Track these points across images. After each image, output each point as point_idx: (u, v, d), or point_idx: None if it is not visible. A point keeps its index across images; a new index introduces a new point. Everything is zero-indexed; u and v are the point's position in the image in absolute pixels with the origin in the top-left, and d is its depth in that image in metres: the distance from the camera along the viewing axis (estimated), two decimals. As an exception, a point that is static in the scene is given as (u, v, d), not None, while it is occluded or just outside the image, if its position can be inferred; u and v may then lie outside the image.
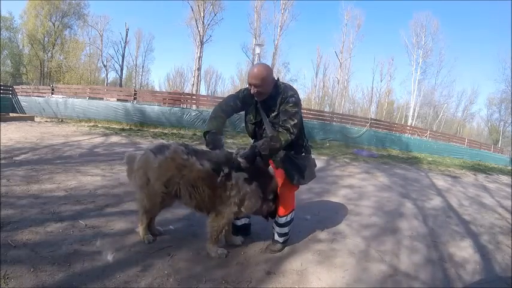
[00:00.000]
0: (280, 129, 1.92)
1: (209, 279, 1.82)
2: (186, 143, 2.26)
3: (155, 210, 2.10)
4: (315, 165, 2.24)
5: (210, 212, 2.04)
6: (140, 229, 2.17)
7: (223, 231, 2.09)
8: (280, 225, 2.24)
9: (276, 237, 2.28)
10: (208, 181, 1.93)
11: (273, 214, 2.22)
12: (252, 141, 2.27)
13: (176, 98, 13.44)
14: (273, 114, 2.02)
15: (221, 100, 2.19)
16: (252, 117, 2.15)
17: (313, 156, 2.28)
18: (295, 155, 2.11)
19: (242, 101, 2.13)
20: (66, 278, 1.67)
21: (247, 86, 2.05)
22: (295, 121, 1.93)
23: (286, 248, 2.33)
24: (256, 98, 2.04)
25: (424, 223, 3.42)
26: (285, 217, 2.22)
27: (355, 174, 5.97)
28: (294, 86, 2.16)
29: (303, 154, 2.15)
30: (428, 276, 2.21)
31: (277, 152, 1.98)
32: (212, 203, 1.98)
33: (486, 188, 6.65)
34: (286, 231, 2.28)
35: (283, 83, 2.06)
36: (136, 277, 1.75)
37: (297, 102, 1.98)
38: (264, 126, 2.09)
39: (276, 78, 2.06)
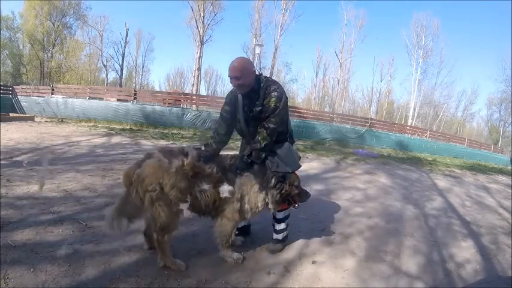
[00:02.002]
0: (259, 129, 2.00)
1: (209, 279, 1.82)
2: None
3: (174, 224, 1.82)
4: (299, 157, 2.21)
5: (214, 216, 2.01)
6: (164, 259, 1.84)
7: (232, 234, 2.02)
8: (278, 221, 2.25)
9: (274, 235, 2.29)
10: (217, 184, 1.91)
11: (298, 198, 2.06)
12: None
13: (176, 98, 13.45)
14: (257, 109, 2.00)
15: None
16: (239, 116, 2.15)
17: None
18: (275, 143, 2.08)
19: (230, 104, 2.13)
20: (66, 278, 1.66)
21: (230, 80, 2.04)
22: (274, 118, 1.96)
23: (286, 248, 2.33)
24: (238, 92, 2.05)
25: (426, 223, 3.41)
26: (283, 212, 2.23)
27: (356, 175, 5.96)
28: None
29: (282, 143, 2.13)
30: (429, 276, 2.20)
31: (263, 150, 2.01)
32: (216, 206, 1.95)
33: (486, 188, 6.65)
34: (283, 227, 2.28)
35: (265, 77, 2.06)
36: (137, 277, 1.75)
37: (280, 97, 1.97)
38: (250, 123, 2.08)
39: (259, 73, 2.07)
